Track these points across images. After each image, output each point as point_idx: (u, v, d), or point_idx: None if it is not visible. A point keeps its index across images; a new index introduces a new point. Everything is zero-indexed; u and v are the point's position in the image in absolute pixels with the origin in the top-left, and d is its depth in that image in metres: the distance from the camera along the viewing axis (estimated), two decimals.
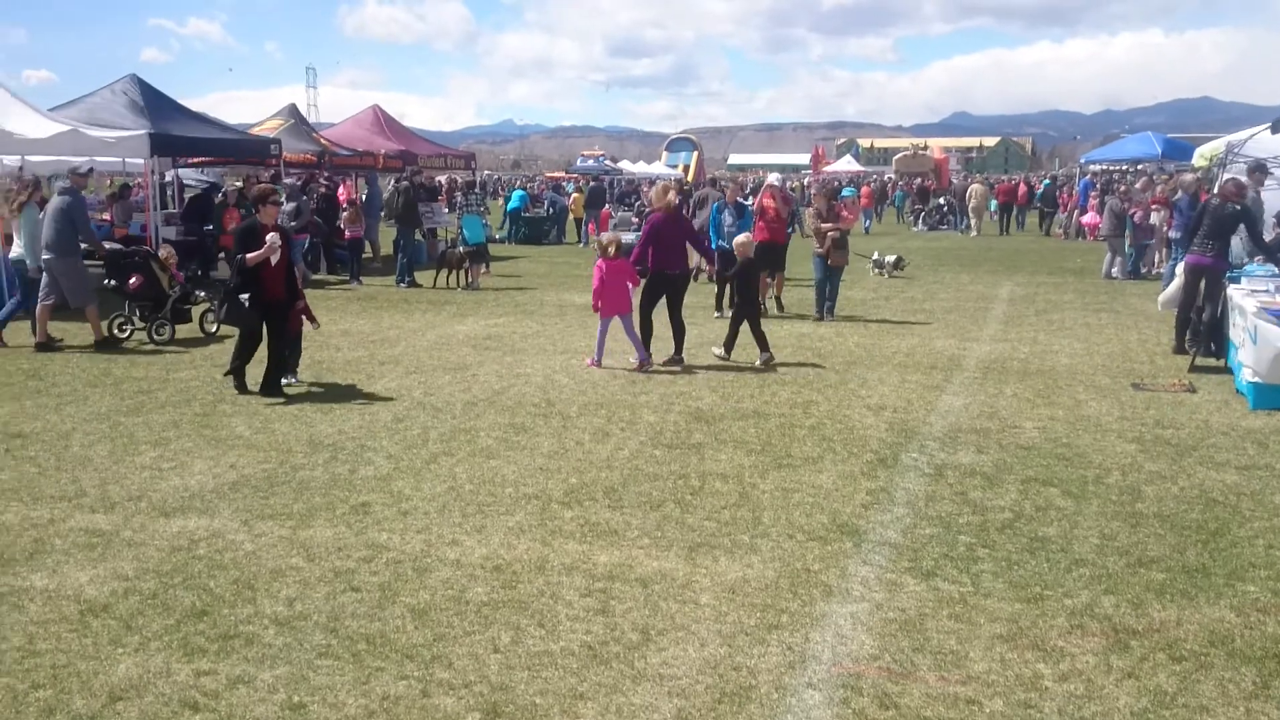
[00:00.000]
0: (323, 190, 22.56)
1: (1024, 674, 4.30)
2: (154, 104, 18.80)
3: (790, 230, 18.75)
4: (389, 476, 7.16)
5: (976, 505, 6.49)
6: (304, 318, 10.25)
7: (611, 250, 11.13)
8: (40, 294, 12.11)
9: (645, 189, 23.37)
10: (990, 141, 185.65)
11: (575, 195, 33.25)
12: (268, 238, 9.45)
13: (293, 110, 25.29)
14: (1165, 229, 19.25)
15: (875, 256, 21.05)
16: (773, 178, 16.94)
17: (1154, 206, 20.73)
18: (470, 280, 18.92)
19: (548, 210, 32.76)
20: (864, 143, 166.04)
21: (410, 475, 7.19)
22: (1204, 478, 7.05)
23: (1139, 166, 35.83)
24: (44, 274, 12.13)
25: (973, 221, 34.78)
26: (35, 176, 16.09)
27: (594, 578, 5.39)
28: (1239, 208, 11.34)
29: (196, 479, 7.08)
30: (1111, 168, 40.69)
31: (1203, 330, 11.39)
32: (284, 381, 9.91)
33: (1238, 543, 5.81)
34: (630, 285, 11.16)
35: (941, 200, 39.89)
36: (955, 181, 48.62)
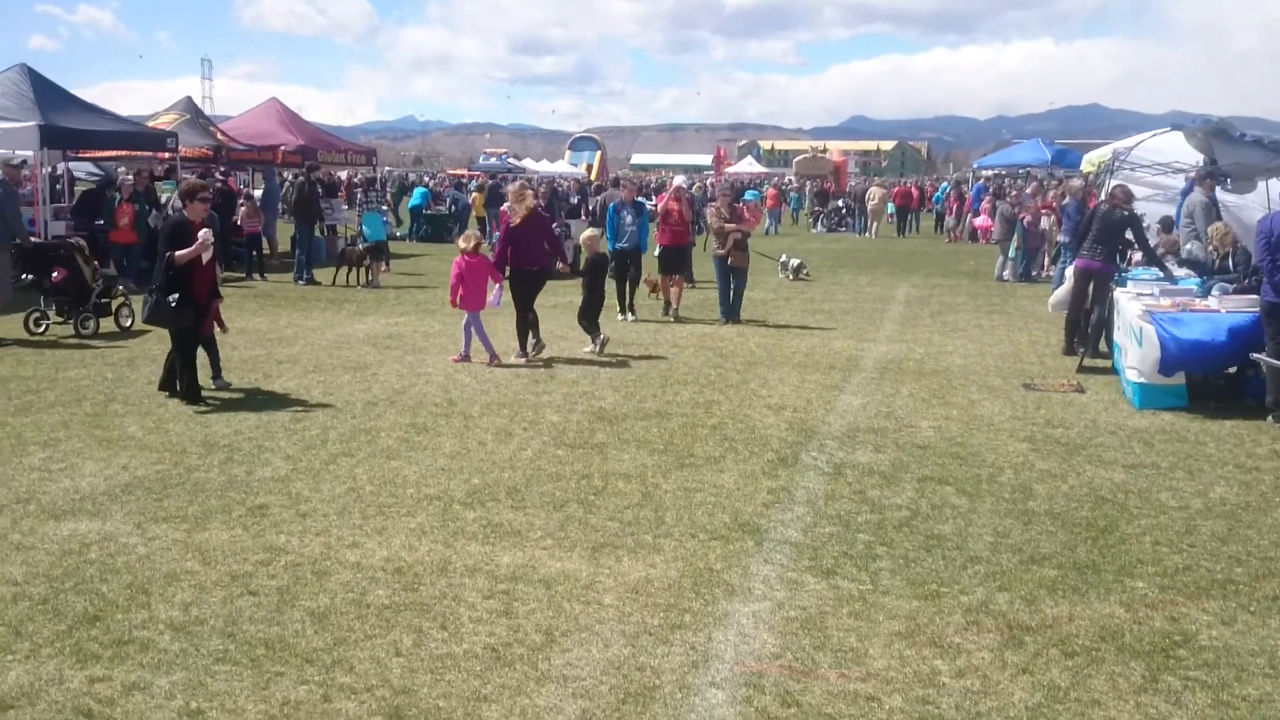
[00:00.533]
0: (218, 185, 22.01)
1: (922, 670, 4.41)
2: (44, 94, 18.12)
3: (696, 232, 18.80)
4: (287, 478, 7.03)
5: (874, 504, 6.63)
6: (215, 321, 9.92)
7: (470, 246, 11.45)
8: None
9: (541, 190, 23.25)
10: (888, 145, 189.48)
11: (475, 194, 32.98)
12: (200, 234, 9.09)
13: (189, 103, 24.65)
14: (1054, 233, 19.92)
15: (782, 259, 21.07)
16: (678, 180, 17.35)
17: (1043, 211, 21.43)
18: (371, 278, 18.65)
19: (450, 208, 32.45)
20: (765, 144, 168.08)
21: (309, 476, 7.07)
22: (1093, 476, 7.31)
23: (1029, 171, 36.94)
24: None
25: (871, 224, 35.47)
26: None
27: (497, 579, 5.37)
28: (1126, 213, 11.79)
29: (87, 481, 6.86)
30: (1003, 172, 41.91)
31: (1091, 331, 11.81)
32: (214, 385, 9.68)
33: (1126, 539, 6.03)
34: (491, 281, 11.41)
35: (840, 202, 40.60)
36: (853, 184, 49.58)
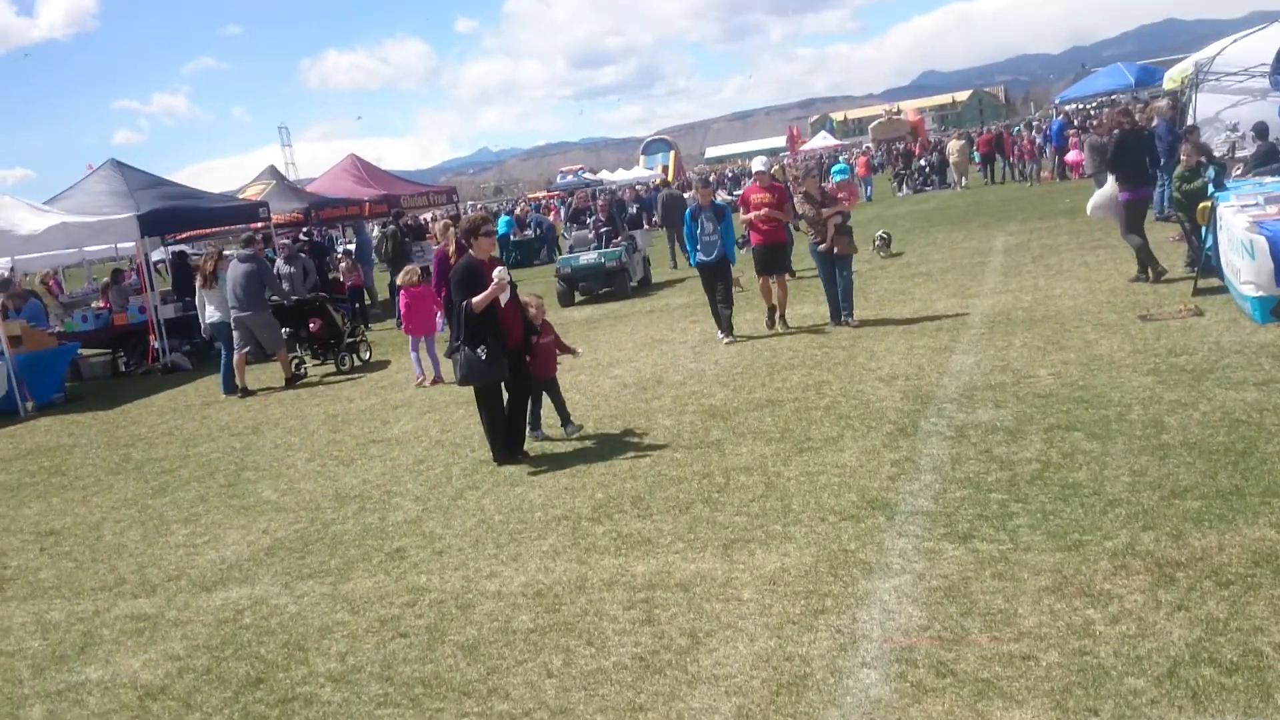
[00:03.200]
0: (307, 239, 22.67)
1: (1075, 622, 4.32)
2: (137, 184, 18.93)
3: (797, 222, 17.76)
4: (419, 519, 7.20)
5: (1003, 461, 6.50)
6: (558, 351, 9.18)
7: (411, 280, 12.92)
8: (236, 346, 13.96)
9: (600, 203, 22.96)
10: (963, 96, 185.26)
11: (552, 216, 33.36)
12: (495, 274, 8.13)
13: (273, 171, 25.45)
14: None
15: (880, 234, 19.38)
16: (757, 163, 13.73)
17: None
18: None
19: (535, 231, 32.86)
20: (837, 116, 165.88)
21: (439, 514, 7.23)
22: (1224, 399, 7.06)
23: (1114, 98, 35.79)
24: (236, 329, 13.91)
25: (956, 178, 34.74)
26: (218, 248, 18.67)
27: (634, 589, 5.42)
28: (1146, 131, 11.99)
29: (231, 549, 7.13)
30: (1086, 104, 40.65)
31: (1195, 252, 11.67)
32: (565, 432, 8.86)
33: (1267, 459, 5.81)
34: (436, 309, 12.27)
35: (923, 161, 39.89)
36: (932, 141, 48.66)
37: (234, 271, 14.04)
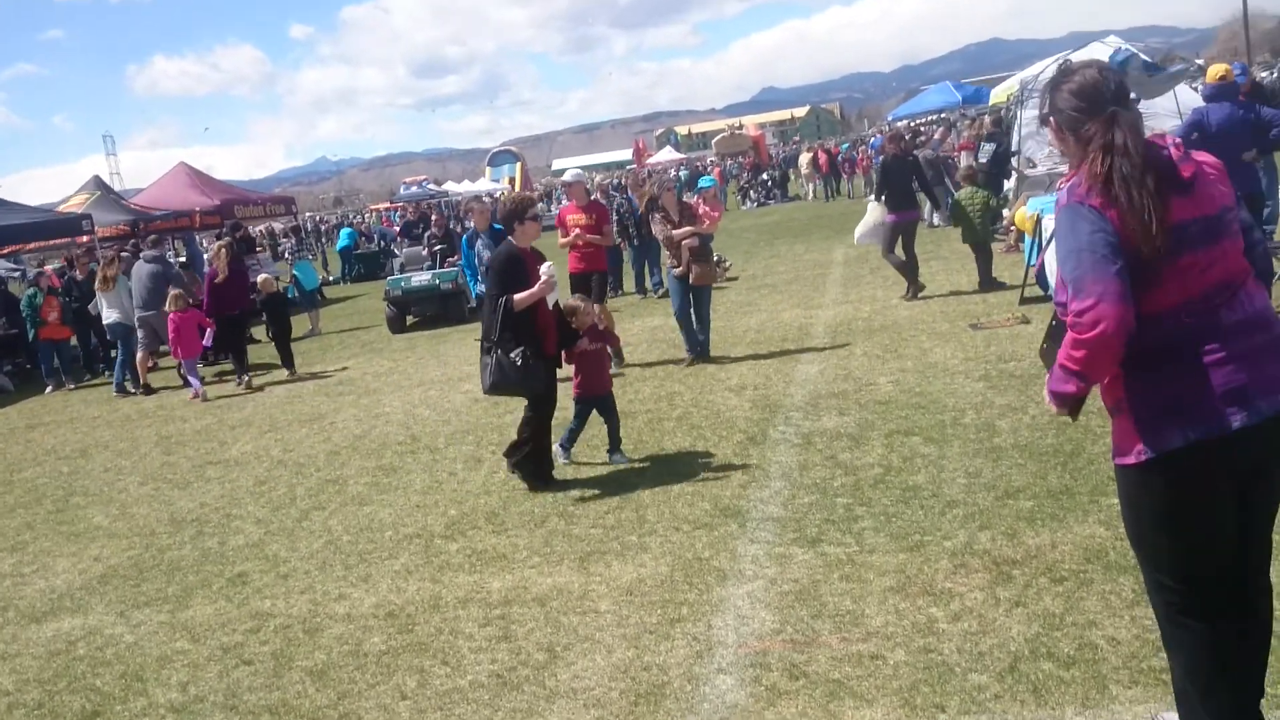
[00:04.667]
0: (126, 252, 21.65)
1: (919, 621, 4.47)
2: None
3: (622, 242, 16.99)
4: (261, 542, 6.96)
5: (847, 466, 6.69)
6: (611, 353, 7.88)
7: (179, 306, 13.35)
8: (142, 344, 14.47)
9: (436, 218, 21.95)
10: (801, 112, 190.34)
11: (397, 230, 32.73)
12: (543, 270, 7.15)
13: (97, 182, 24.25)
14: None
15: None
16: (570, 175, 12.71)
17: (962, 151, 21.69)
18: (312, 327, 18.49)
19: (379, 244, 32.26)
20: (681, 130, 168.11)
21: (284, 537, 7.01)
22: None
23: (942, 115, 37.35)
24: (140, 328, 14.45)
25: (807, 187, 35.57)
26: (116, 251, 18.55)
27: (490, 605, 5.36)
28: (911, 158, 12.90)
29: (62, 578, 6.75)
30: (917, 122, 42.32)
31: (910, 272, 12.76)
32: (610, 459, 7.70)
33: (1094, 460, 6.13)
34: (203, 327, 13.43)
35: (765, 175, 40.81)
36: (774, 155, 49.81)
37: (139, 271, 14.66)
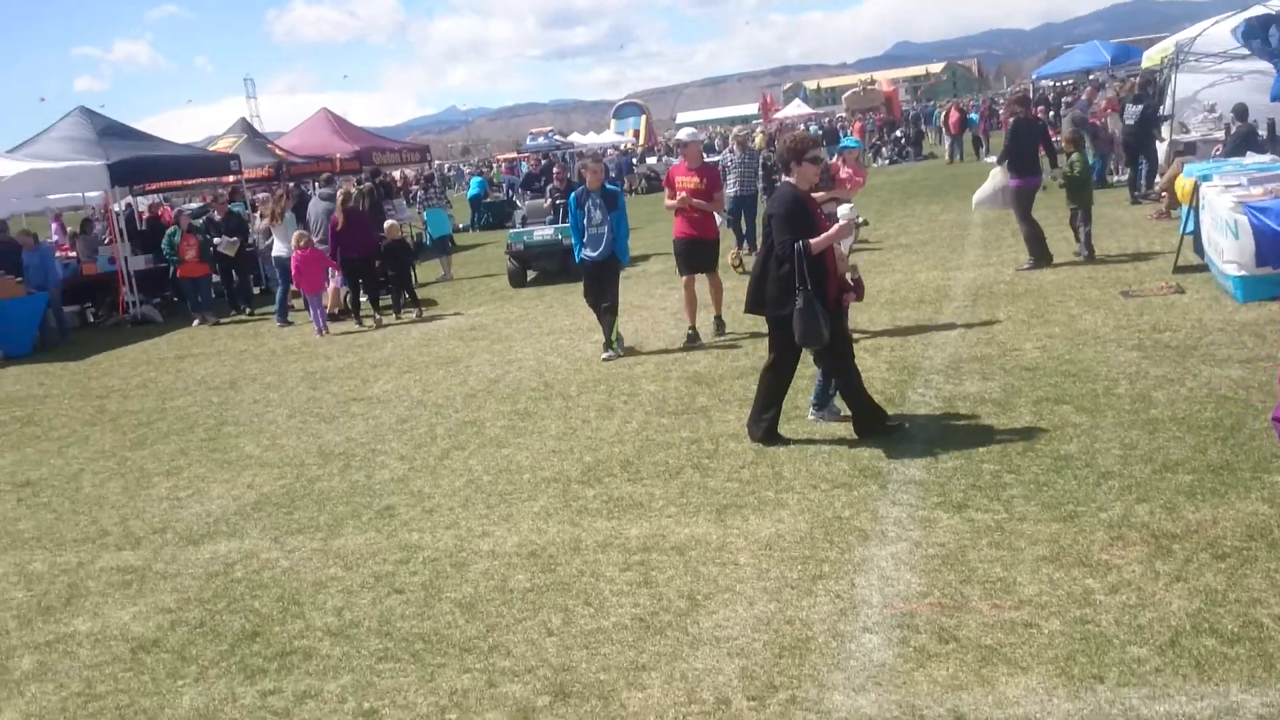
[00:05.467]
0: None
1: (1074, 591, 4.37)
2: (106, 133, 18.57)
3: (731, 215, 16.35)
4: (406, 478, 7.16)
5: (993, 432, 6.55)
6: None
7: (302, 243, 14.34)
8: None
9: (558, 170, 22.01)
10: (936, 68, 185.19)
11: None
12: (841, 211, 6.94)
13: (244, 124, 25.08)
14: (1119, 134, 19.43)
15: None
16: (684, 134, 11.70)
17: (1108, 113, 20.84)
18: (445, 273, 18.85)
19: (508, 194, 32.63)
20: (810, 85, 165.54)
21: (427, 474, 7.19)
22: (1210, 376, 7.14)
23: (1091, 76, 35.94)
24: None
25: (950, 145, 34.53)
26: (288, 187, 19.86)
27: (629, 551, 5.43)
28: (1040, 122, 12.22)
29: (217, 503, 7.07)
30: (1061, 82, 40.81)
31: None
32: (814, 415, 7.38)
33: (1255, 435, 5.89)
34: (329, 269, 14.58)
35: (899, 132, 39.92)
36: (907, 112, 48.68)
37: (315, 208, 15.95)
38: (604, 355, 10.18)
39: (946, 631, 4.18)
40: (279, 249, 15.87)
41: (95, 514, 7.16)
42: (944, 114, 37.20)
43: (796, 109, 74.10)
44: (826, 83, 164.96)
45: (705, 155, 12.49)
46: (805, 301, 6.45)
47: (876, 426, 6.77)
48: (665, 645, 4.37)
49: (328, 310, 14.90)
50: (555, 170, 22.17)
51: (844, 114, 59.68)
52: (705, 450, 6.96)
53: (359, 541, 6.01)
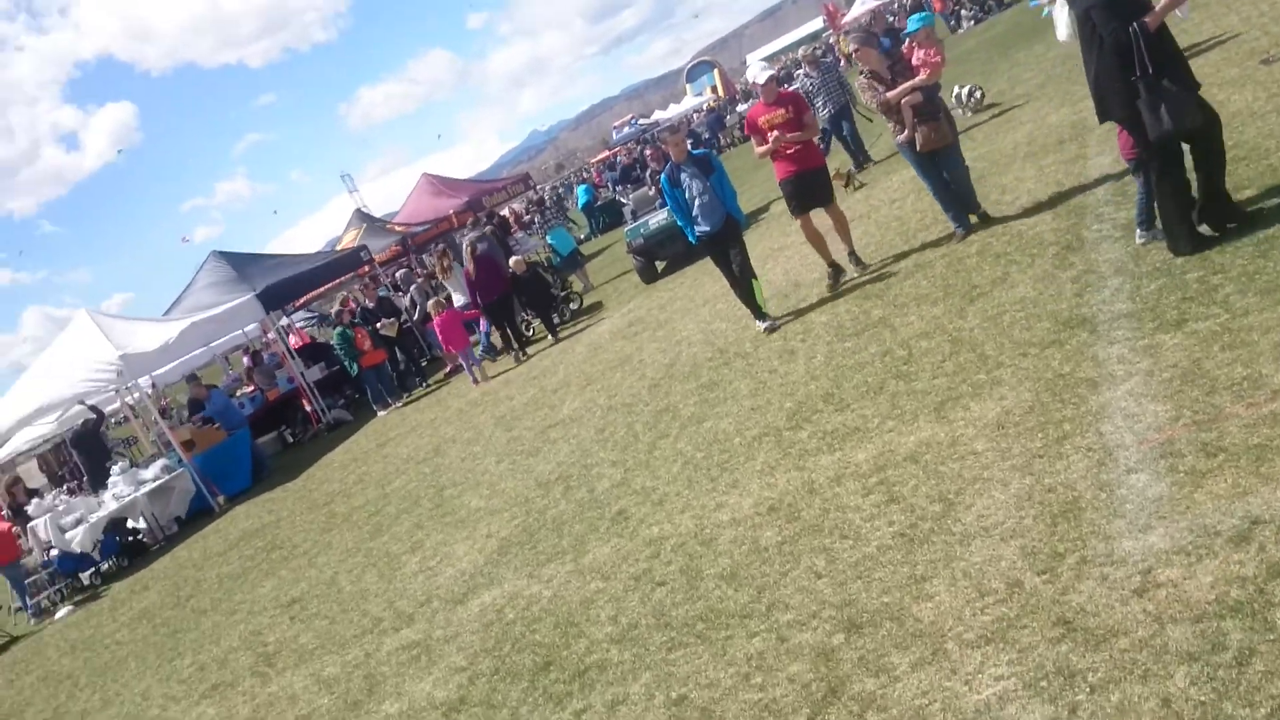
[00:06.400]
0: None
1: None
2: (242, 267, 19.56)
3: (826, 136, 16.20)
4: (625, 480, 7.31)
5: None
6: None
7: (438, 309, 15.73)
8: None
9: (651, 152, 21.89)
10: None
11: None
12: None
13: (360, 215, 25.98)
14: None
15: (955, 91, 16.12)
16: (753, 73, 10.99)
17: None
18: (585, 284, 19.13)
19: (614, 192, 32.87)
20: None
21: (642, 470, 7.33)
22: None
23: None
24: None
25: None
26: (443, 246, 21.05)
27: (863, 476, 5.41)
28: None
29: (466, 561, 7.37)
30: None
31: None
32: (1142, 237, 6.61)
33: None
34: (468, 320, 16.07)
35: None
36: None
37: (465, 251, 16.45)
38: (761, 326, 9.34)
39: (1210, 445, 4.03)
40: (458, 299, 16.85)
41: (363, 607, 7.56)
42: None
43: (861, 5, 71.91)
44: None
45: (782, 86, 12.02)
46: (1149, 85, 5.76)
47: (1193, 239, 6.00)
48: (935, 551, 4.35)
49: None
50: (649, 154, 22.20)
51: None
52: (899, 358, 6.87)
53: (606, 551, 6.18)
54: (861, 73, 9.44)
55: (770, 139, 9.50)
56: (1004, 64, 20.02)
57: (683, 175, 9.36)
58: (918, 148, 8.90)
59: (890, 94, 8.98)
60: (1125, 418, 4.60)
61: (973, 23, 35.94)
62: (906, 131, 8.94)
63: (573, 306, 17.08)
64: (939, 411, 5.71)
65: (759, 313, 9.45)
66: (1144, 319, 5.49)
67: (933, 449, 5.30)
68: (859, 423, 6.15)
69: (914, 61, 9.28)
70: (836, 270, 9.69)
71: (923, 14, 9.93)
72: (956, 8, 38.31)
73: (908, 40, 10.28)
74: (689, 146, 9.90)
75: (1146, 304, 5.65)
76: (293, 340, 21.13)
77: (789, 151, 9.54)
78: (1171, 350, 4.99)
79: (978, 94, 15.98)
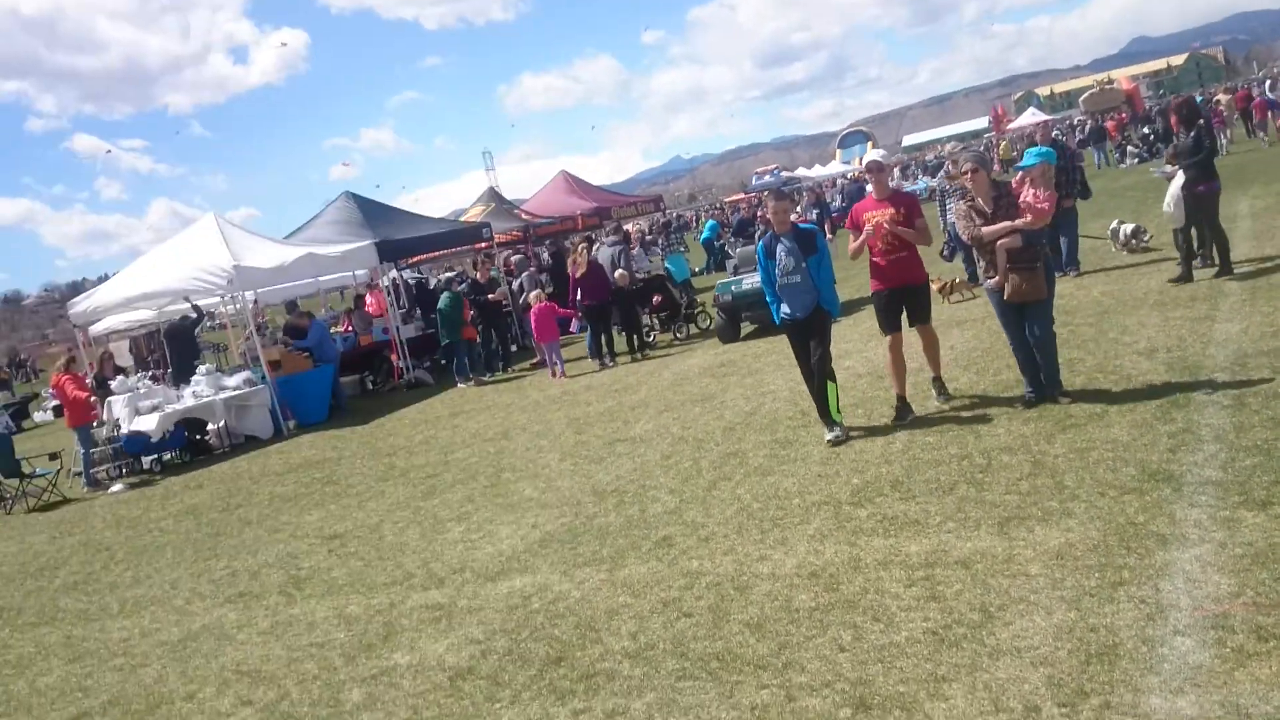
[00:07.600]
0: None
1: None
2: (370, 213, 20.10)
3: (951, 245, 15.27)
4: (678, 509, 7.38)
5: None
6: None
7: (538, 299, 16.46)
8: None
9: (761, 213, 22.11)
10: (1178, 60, 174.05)
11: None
12: None
13: (491, 193, 26.52)
14: None
15: (1111, 226, 15.76)
16: (871, 157, 10.28)
17: None
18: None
19: (729, 239, 33.05)
20: (1042, 91, 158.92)
21: (697, 504, 7.39)
22: None
23: None
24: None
25: (1224, 133, 32.09)
26: (585, 238, 21.37)
27: (911, 567, 5.40)
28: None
29: (506, 543, 7.50)
30: None
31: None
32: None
33: None
34: (562, 317, 16.62)
35: (1146, 129, 37.80)
36: (1149, 107, 45.97)
37: (604, 255, 17.33)
38: (828, 437, 8.27)
39: (1266, 630, 3.97)
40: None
41: (399, 559, 7.74)
42: (1225, 101, 34.65)
43: (1031, 117, 71.33)
44: (1059, 87, 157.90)
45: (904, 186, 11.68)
46: None
47: None
48: (963, 657, 4.34)
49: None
50: (760, 214, 22.10)
51: (1082, 116, 57.04)
52: (977, 465, 6.84)
53: (642, 570, 6.25)
54: (962, 198, 8.49)
55: (866, 229, 8.42)
56: (1154, 208, 19.65)
57: (779, 248, 8.33)
58: (1004, 296, 7.88)
59: (986, 230, 7.94)
60: (1187, 580, 4.54)
61: (1136, 161, 35.40)
62: (997, 277, 7.95)
63: (703, 325, 17.77)
64: (1003, 526, 5.68)
65: (829, 420, 8.40)
66: (1230, 490, 5.40)
67: (986, 560, 5.28)
68: (920, 516, 6.14)
69: (1021, 200, 8.04)
70: (904, 407, 8.56)
71: (1043, 149, 8.62)
72: (1124, 143, 37.80)
73: (1019, 174, 8.61)
74: (794, 219, 8.97)
75: (1238, 477, 5.56)
76: (370, 302, 21.48)
77: (888, 259, 8.45)
78: (1250, 528, 4.91)
79: (1145, 236, 15.21)
